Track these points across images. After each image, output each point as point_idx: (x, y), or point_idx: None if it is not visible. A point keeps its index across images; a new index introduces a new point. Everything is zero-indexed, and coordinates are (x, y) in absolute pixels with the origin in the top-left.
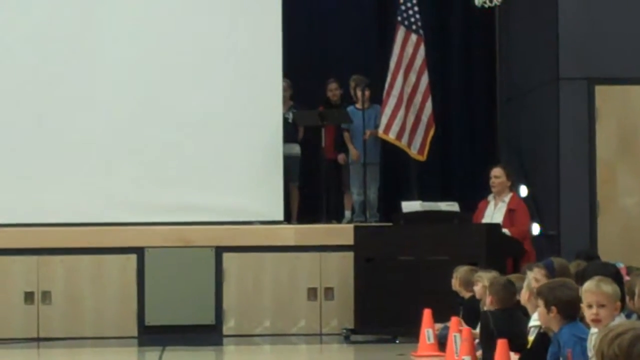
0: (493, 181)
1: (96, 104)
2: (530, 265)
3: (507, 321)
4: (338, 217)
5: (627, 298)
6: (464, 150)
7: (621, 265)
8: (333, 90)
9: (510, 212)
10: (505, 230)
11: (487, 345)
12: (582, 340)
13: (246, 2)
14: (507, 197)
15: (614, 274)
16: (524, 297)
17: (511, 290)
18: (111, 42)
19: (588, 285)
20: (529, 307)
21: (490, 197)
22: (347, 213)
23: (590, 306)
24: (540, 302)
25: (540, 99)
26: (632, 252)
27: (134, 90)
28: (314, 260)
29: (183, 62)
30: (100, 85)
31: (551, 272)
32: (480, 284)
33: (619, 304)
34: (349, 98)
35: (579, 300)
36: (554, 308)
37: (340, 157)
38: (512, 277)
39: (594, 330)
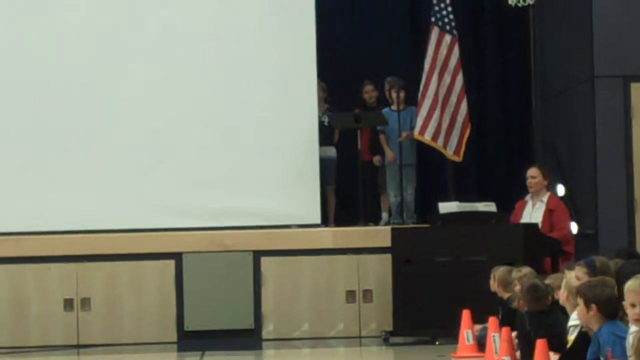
0: (530, 181)
1: (132, 110)
2: (571, 264)
3: (543, 321)
4: (375, 219)
5: None
6: (500, 150)
7: None
8: (369, 92)
9: (549, 213)
10: None
11: (524, 346)
12: (622, 339)
13: (281, 6)
14: (545, 197)
15: None
16: (562, 296)
17: (539, 292)
18: (146, 47)
19: (632, 284)
20: (568, 307)
21: (528, 197)
22: (384, 215)
23: (633, 305)
24: (580, 301)
25: (576, 97)
26: None
27: (170, 94)
28: (351, 263)
29: (218, 67)
30: (136, 90)
31: (592, 270)
32: (519, 285)
33: None
34: (385, 100)
35: (618, 298)
36: (593, 306)
37: (376, 159)
38: (550, 277)
39: (633, 328)
